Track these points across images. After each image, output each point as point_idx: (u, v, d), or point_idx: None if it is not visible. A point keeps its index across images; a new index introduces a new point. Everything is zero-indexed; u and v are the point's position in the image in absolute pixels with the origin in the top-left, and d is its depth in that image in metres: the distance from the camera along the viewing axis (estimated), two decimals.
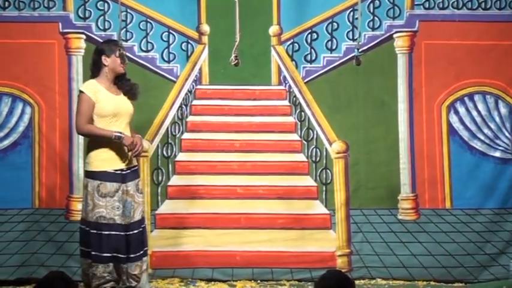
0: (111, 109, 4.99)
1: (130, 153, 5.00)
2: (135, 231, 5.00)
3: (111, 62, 5.04)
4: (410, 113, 6.06)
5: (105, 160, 4.97)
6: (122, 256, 4.94)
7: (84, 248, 4.98)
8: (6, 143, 5.97)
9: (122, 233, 4.93)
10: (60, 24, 6.00)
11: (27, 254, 5.81)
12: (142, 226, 5.08)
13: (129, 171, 5.02)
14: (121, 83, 5.12)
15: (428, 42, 6.07)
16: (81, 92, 5.00)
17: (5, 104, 5.99)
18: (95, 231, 4.91)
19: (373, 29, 6.10)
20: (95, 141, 4.99)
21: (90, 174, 4.96)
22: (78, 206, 5.78)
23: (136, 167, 5.12)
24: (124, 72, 5.10)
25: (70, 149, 5.98)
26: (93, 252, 4.92)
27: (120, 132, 4.96)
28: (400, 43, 6.08)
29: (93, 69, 5.10)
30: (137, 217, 5.01)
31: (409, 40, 6.07)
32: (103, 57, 5.04)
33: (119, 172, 4.97)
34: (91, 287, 4.94)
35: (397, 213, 6.02)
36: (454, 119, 6.13)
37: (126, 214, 4.96)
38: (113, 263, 4.94)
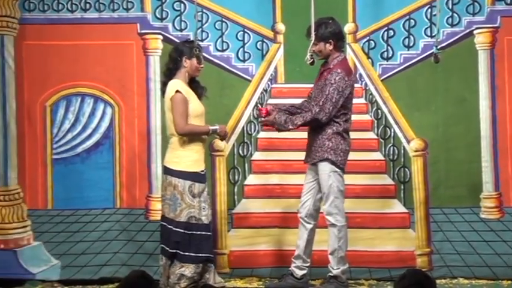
0: (202, 109, 5.09)
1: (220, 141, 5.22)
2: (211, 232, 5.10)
3: (190, 65, 5.08)
4: (493, 110, 5.95)
5: (196, 161, 5.04)
6: (212, 256, 5.02)
7: (170, 248, 4.98)
8: (89, 143, 6.09)
9: (209, 233, 5.01)
10: (138, 25, 6.10)
11: (109, 254, 5.91)
12: None
13: (204, 173, 5.10)
14: (194, 85, 5.16)
15: (511, 38, 5.93)
16: (177, 92, 4.99)
17: (88, 105, 6.12)
18: (187, 232, 4.95)
19: (452, 25, 6.00)
20: (185, 141, 5.03)
21: (181, 174, 4.99)
22: (157, 205, 5.85)
23: None
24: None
25: (148, 150, 6.07)
26: (186, 253, 4.94)
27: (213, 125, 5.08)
28: (481, 39, 5.96)
29: (172, 68, 5.10)
30: (210, 217, 5.10)
31: (491, 36, 5.95)
32: (184, 58, 5.07)
33: (202, 173, 5.06)
34: (180, 286, 4.96)
35: (479, 211, 5.92)
36: None
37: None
38: (205, 263, 4.98)
